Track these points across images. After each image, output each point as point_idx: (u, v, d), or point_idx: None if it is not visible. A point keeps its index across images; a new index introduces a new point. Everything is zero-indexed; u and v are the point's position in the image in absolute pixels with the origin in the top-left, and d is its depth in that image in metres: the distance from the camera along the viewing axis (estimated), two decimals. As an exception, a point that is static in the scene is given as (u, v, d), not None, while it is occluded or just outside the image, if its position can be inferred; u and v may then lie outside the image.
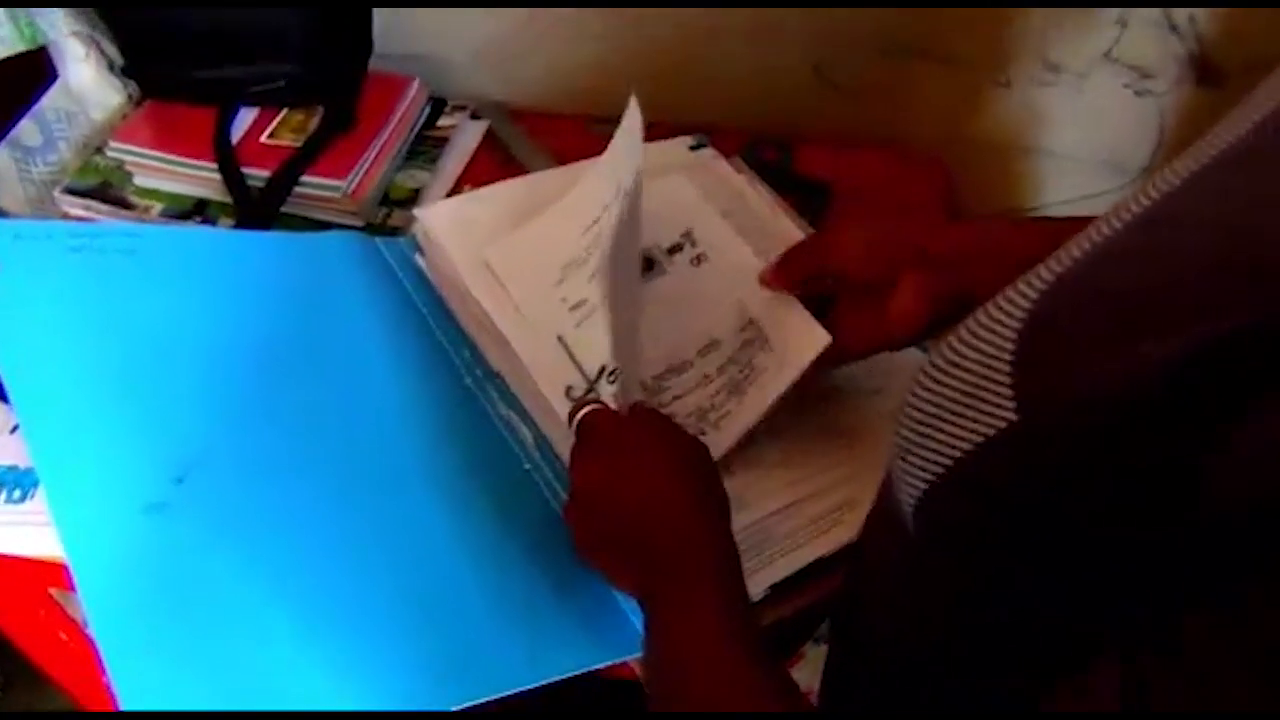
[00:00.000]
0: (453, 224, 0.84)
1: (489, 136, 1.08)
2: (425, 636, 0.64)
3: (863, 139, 1.05)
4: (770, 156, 1.05)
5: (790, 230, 0.91)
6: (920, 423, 0.41)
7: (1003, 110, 1.02)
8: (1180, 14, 0.93)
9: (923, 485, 0.40)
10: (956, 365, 0.40)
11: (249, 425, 0.68)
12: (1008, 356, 0.37)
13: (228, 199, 0.99)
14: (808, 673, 0.68)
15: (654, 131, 1.04)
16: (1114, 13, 0.94)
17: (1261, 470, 0.28)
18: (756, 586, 0.67)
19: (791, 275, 0.74)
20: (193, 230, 0.96)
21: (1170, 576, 0.30)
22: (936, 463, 0.39)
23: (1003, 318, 0.38)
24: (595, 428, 0.63)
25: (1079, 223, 0.41)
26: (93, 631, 0.56)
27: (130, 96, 1.08)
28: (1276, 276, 0.28)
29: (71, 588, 0.59)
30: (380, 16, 1.05)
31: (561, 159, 1.03)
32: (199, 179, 1.00)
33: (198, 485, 0.63)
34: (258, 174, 0.99)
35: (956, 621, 0.43)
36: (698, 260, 0.82)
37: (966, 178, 1.05)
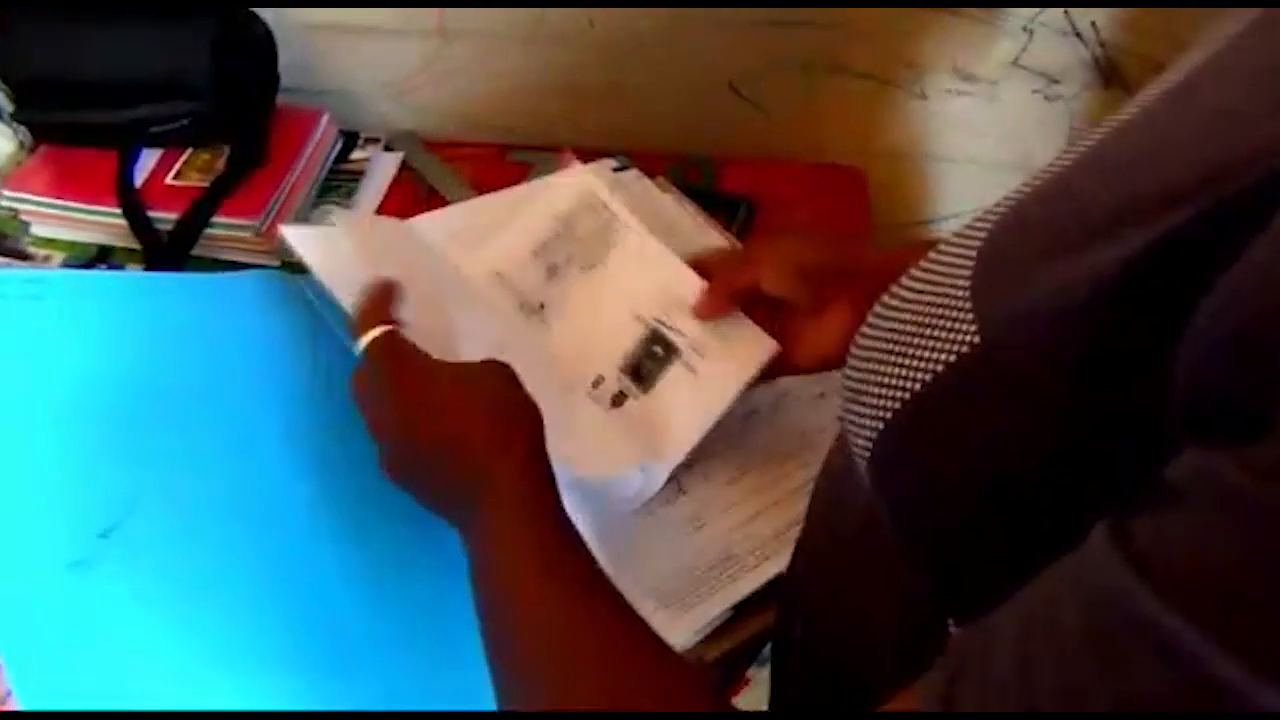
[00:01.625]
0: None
1: (404, 168, 1.05)
2: (365, 683, 0.61)
3: (784, 154, 1.05)
4: (693, 175, 1.04)
5: (719, 244, 0.90)
6: (874, 360, 0.40)
7: (919, 121, 1.04)
8: (1082, 20, 0.96)
9: (879, 425, 0.39)
10: (910, 301, 0.39)
11: (173, 474, 0.65)
12: (965, 281, 0.37)
13: (134, 245, 0.95)
14: (755, 697, 0.67)
15: (573, 154, 1.03)
16: (1020, 21, 0.96)
17: (1215, 341, 0.28)
18: (719, 606, 0.65)
19: (719, 301, 0.71)
20: (102, 274, 0.91)
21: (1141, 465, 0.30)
22: (894, 398, 0.38)
23: (959, 249, 0.39)
24: (389, 349, 0.58)
25: None
26: (15, 693, 0.53)
27: (22, 143, 1.03)
28: (1192, 189, 0.29)
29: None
30: (286, 51, 1.02)
31: (479, 188, 1.01)
32: (101, 225, 0.96)
33: (122, 539, 0.59)
34: (165, 217, 0.95)
35: (905, 600, 0.42)
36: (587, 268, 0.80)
37: (886, 188, 1.06)
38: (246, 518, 0.65)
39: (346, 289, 0.68)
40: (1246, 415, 0.26)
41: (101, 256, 0.96)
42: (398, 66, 1.07)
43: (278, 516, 0.66)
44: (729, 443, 0.75)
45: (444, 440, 0.53)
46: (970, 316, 0.36)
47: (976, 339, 0.36)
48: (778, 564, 0.67)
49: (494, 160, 1.07)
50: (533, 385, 0.67)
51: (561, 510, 0.50)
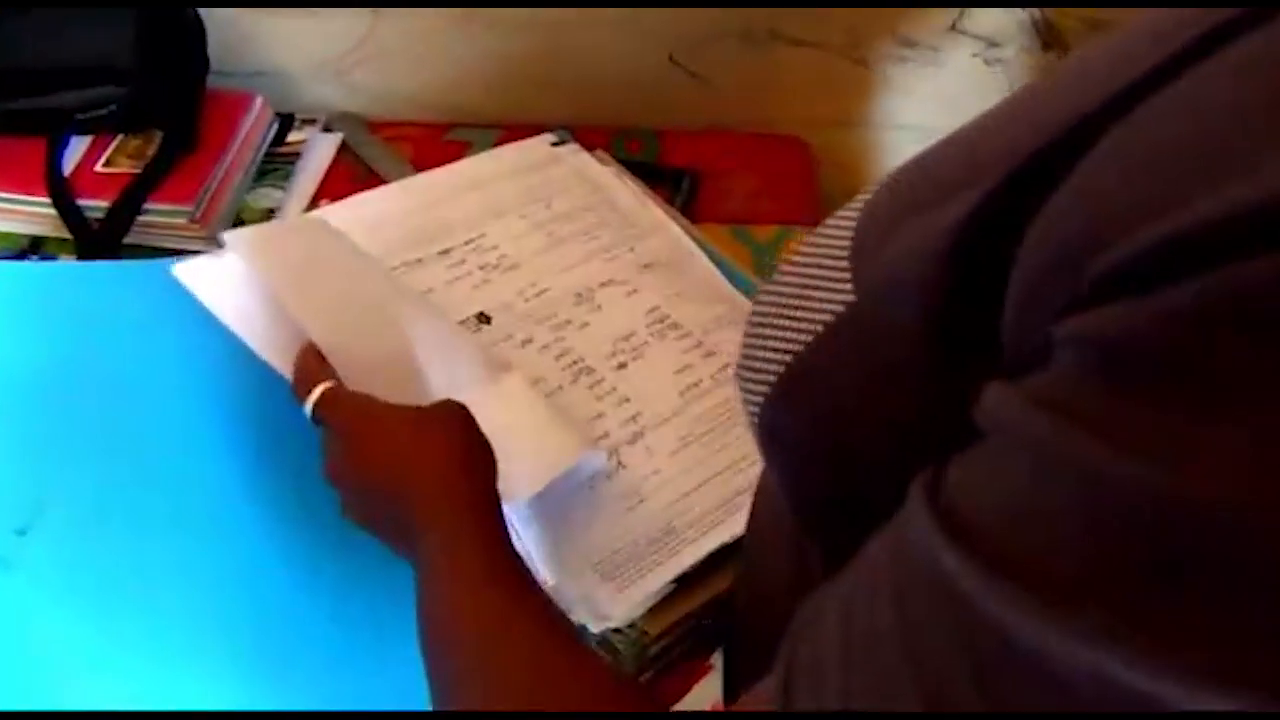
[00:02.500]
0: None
1: (343, 149, 1.03)
2: (303, 682, 0.60)
3: (727, 125, 1.04)
4: (635, 148, 1.03)
5: (659, 218, 0.89)
6: (761, 326, 0.39)
7: (861, 89, 1.03)
8: (1020, -19, 0.95)
9: (765, 390, 0.38)
10: (799, 265, 0.39)
11: (99, 468, 0.63)
12: (846, 243, 0.37)
13: (66, 234, 0.93)
14: (716, 684, 0.66)
15: (516, 133, 1.02)
16: (957, -17, 0.95)
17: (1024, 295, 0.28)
18: (660, 580, 0.65)
19: None
20: (28, 265, 0.89)
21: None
22: (778, 361, 0.38)
23: (850, 211, 0.38)
24: (336, 404, 0.60)
25: None
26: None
27: (-54, 134, 1.01)
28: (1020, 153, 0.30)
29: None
30: (216, 32, 1.00)
31: (420, 167, 0.99)
32: (31, 215, 0.93)
33: (42, 535, 0.57)
34: (96, 205, 0.92)
35: (807, 577, 0.42)
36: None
37: (830, 156, 1.05)
38: (178, 512, 0.63)
39: (251, 328, 0.67)
40: (1034, 347, 0.26)
41: (33, 247, 0.94)
42: (332, 45, 1.05)
43: (211, 510, 0.64)
44: (671, 414, 0.74)
45: (397, 481, 0.54)
46: (847, 276, 0.36)
47: (850, 298, 0.35)
48: (719, 536, 0.66)
49: (434, 139, 1.06)
50: (467, 380, 0.67)
51: (512, 549, 0.51)
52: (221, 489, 0.66)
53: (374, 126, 1.06)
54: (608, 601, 0.63)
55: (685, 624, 0.65)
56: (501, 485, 0.56)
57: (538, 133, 0.99)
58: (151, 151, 0.96)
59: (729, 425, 0.73)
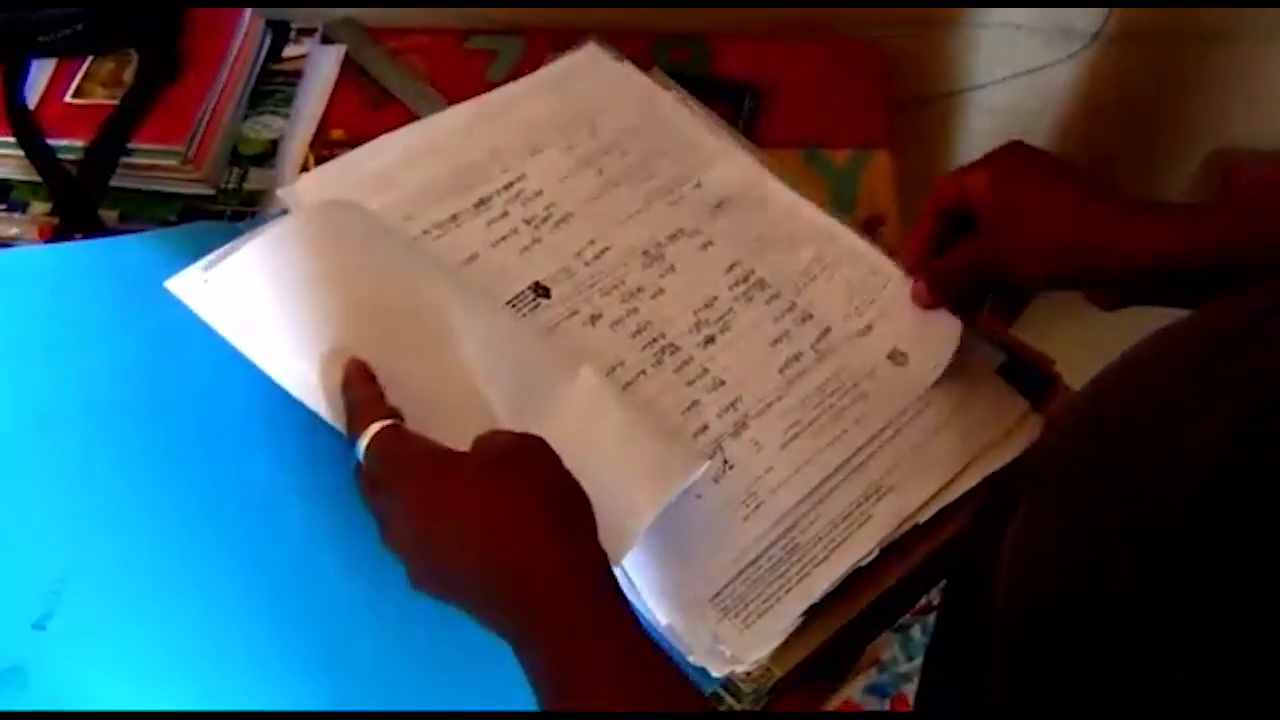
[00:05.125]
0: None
1: (348, 65, 0.90)
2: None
3: (789, 27, 0.91)
4: (682, 57, 0.90)
5: (740, 158, 0.77)
6: None
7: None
8: None
9: None
10: None
11: (122, 520, 0.52)
12: None
13: (35, 177, 0.80)
14: None
15: (541, 40, 0.89)
16: None
17: None
18: (791, 613, 0.56)
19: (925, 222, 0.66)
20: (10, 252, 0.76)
21: None
22: None
23: None
24: (396, 449, 0.52)
25: None
26: None
27: (-117, 60, 0.86)
28: None
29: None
30: (191, -72, 0.85)
31: (438, 86, 0.87)
32: (-7, 156, 0.81)
33: (64, 623, 0.47)
34: (71, 145, 0.80)
35: None
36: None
37: (906, 60, 0.93)
38: (229, 564, 0.53)
39: (273, 354, 0.57)
40: None
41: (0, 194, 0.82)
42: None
43: (269, 555, 0.54)
44: (775, 397, 0.64)
45: (480, 550, 0.47)
46: None
47: None
48: (851, 554, 0.58)
49: (450, 48, 0.92)
50: (528, 385, 0.58)
51: (627, 610, 0.47)
52: (295, 532, 0.56)
53: (379, 35, 0.92)
54: (734, 641, 0.55)
55: (813, 660, 0.57)
56: (604, 539, 0.49)
57: (566, 38, 0.86)
58: (128, 77, 0.83)
59: (838, 411, 0.64)
